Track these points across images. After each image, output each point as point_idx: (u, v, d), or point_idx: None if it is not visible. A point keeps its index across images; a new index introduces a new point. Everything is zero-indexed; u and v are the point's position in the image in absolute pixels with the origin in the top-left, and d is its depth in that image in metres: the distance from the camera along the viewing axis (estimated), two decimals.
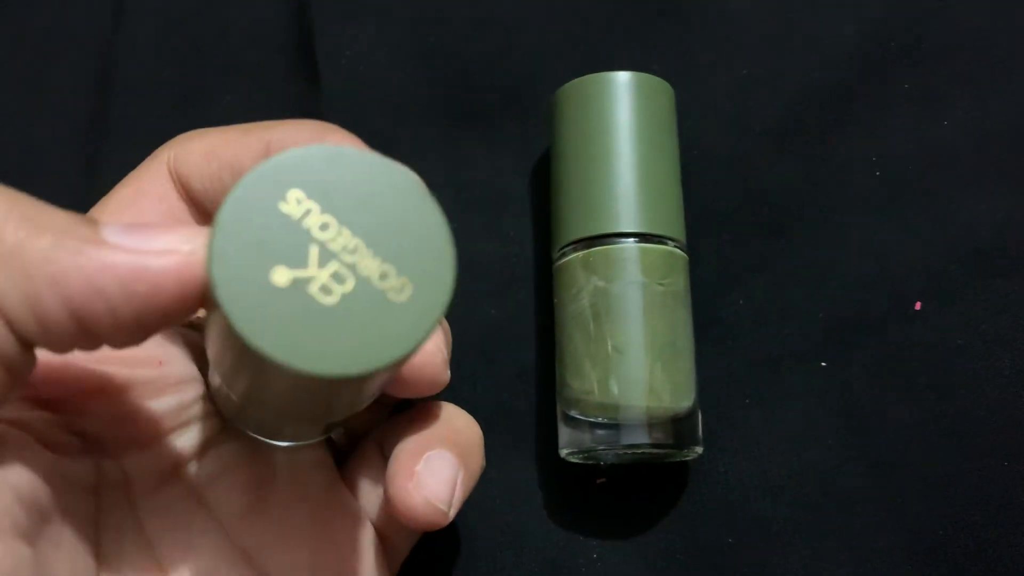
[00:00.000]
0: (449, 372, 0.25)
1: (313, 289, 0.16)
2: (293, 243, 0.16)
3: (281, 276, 0.16)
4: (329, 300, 0.16)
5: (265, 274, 0.16)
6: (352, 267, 0.16)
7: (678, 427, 0.30)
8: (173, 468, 0.25)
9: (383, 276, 0.16)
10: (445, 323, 0.27)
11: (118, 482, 0.24)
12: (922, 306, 0.33)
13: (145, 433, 0.24)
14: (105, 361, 0.23)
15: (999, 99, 0.35)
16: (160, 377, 0.24)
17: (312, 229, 0.16)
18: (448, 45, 0.38)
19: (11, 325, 0.17)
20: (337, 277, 0.16)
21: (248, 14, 0.40)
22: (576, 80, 0.32)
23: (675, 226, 0.31)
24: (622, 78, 0.32)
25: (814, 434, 0.32)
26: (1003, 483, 0.31)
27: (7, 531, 0.19)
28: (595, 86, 0.32)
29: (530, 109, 0.36)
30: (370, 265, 0.16)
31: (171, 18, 0.40)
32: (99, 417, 0.23)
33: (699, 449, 0.30)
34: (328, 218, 0.16)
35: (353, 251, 0.16)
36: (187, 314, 0.18)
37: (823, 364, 0.32)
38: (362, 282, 0.16)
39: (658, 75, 0.32)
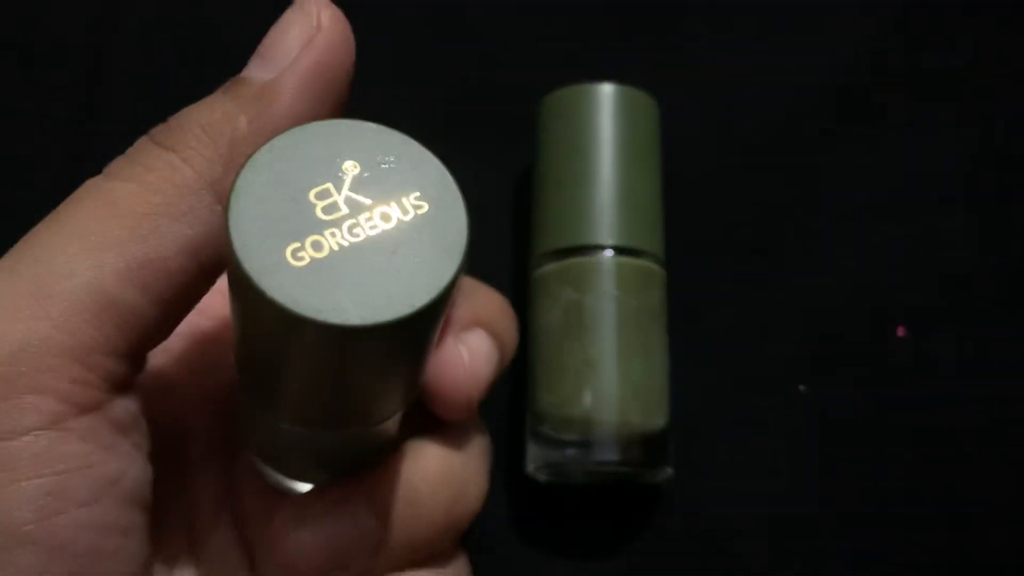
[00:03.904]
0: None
1: (336, 243, 0.16)
2: (303, 214, 0.16)
3: (299, 246, 0.16)
4: (355, 248, 0.16)
5: (285, 248, 0.16)
6: (368, 213, 0.16)
7: (649, 446, 0.29)
8: (223, 442, 0.24)
9: (404, 210, 0.16)
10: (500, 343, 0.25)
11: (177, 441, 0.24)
12: (905, 331, 0.32)
13: (212, 395, 0.24)
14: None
15: (986, 125, 0.35)
16: None
17: (317, 198, 0.16)
18: (433, 55, 0.38)
19: None
20: (352, 228, 0.16)
21: (236, 18, 0.39)
22: (559, 90, 0.32)
23: (653, 240, 0.31)
24: (605, 90, 0.31)
25: (789, 459, 0.31)
26: (982, 517, 0.30)
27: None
28: (578, 97, 0.32)
29: (515, 119, 0.36)
30: (384, 209, 0.16)
31: (162, 20, 0.40)
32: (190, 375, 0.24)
33: (670, 470, 0.29)
34: (330, 184, 0.16)
35: (363, 205, 0.16)
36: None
37: (801, 388, 0.32)
38: (382, 222, 0.16)
39: (644, 90, 0.32)
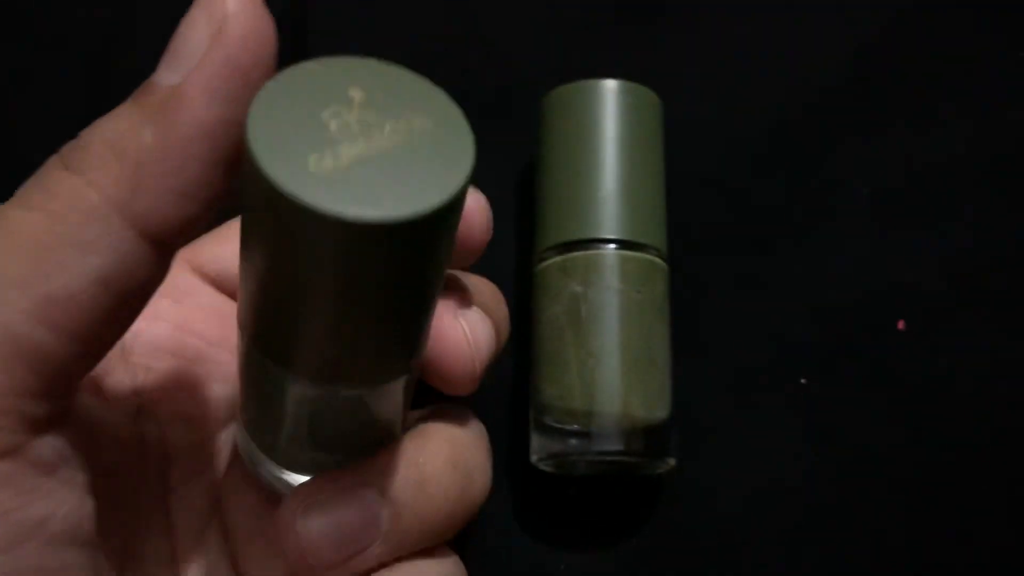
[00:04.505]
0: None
1: (352, 152, 0.17)
2: (318, 127, 0.17)
3: (319, 152, 0.16)
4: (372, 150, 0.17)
5: (307, 157, 0.16)
6: (377, 126, 0.17)
7: (652, 437, 0.29)
8: (209, 459, 0.24)
9: (410, 128, 0.17)
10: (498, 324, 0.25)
11: (159, 454, 0.24)
12: (905, 325, 0.32)
13: (198, 413, 0.24)
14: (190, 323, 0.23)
15: (989, 120, 0.35)
16: (229, 364, 0.24)
17: (329, 117, 0.17)
18: (437, 50, 0.38)
19: (149, 222, 0.17)
20: (366, 132, 0.17)
21: None
22: (562, 86, 0.32)
23: (656, 235, 0.31)
24: (609, 86, 0.32)
25: (791, 451, 0.31)
26: (984, 511, 0.30)
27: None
28: (581, 93, 0.32)
29: (519, 115, 0.36)
30: (393, 125, 0.17)
31: (167, 19, 0.40)
32: (166, 389, 0.24)
33: (672, 461, 0.30)
34: (340, 107, 0.17)
35: (373, 121, 0.17)
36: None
37: (803, 381, 0.32)
38: (395, 134, 0.17)
39: (647, 86, 0.32)
